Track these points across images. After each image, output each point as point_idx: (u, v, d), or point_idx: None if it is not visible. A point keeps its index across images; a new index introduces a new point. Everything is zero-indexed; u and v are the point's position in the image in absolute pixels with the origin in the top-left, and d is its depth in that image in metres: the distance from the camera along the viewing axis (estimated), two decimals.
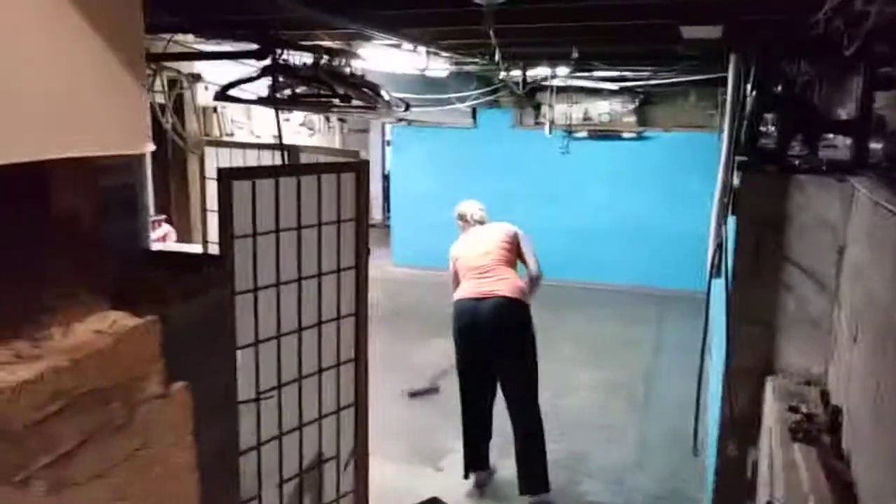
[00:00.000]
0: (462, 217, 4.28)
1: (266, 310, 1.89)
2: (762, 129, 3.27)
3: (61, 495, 0.58)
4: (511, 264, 4.03)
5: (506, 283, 3.90)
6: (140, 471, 0.67)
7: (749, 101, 3.23)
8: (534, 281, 4.05)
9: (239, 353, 1.75)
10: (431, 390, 5.26)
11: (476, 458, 4.13)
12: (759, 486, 3.12)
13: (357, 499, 2.24)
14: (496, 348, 3.90)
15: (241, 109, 5.52)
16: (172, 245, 4.44)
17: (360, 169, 2.07)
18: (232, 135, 5.65)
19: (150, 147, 0.80)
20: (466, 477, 4.10)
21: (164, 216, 4.83)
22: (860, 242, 2.62)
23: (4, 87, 0.68)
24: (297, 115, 6.64)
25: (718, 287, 3.60)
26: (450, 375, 5.50)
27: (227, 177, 1.73)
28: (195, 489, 0.75)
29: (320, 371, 2.06)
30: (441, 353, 6.17)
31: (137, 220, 1.34)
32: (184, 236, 4.79)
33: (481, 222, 4.22)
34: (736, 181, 3.21)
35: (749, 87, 3.19)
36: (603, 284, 7.94)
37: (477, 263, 3.99)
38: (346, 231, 2.07)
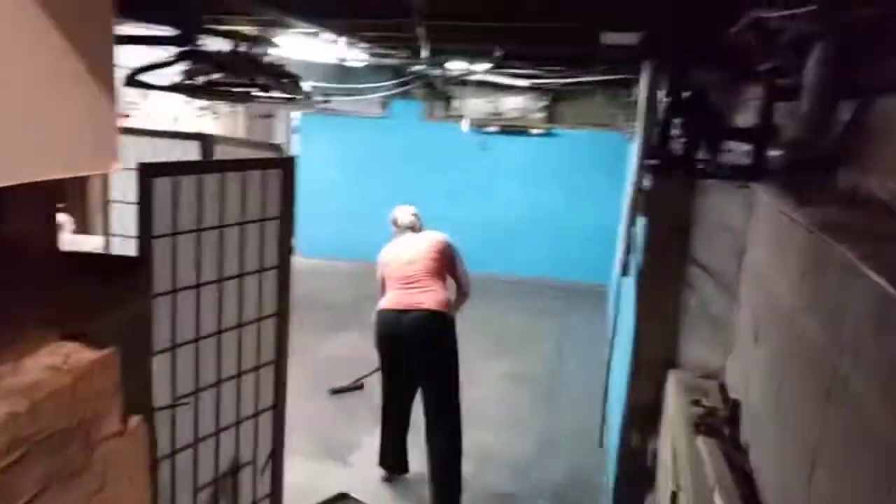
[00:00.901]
0: (394, 222, 4.21)
1: (185, 312, 1.80)
2: (671, 133, 3.41)
3: None
4: (438, 275, 3.94)
5: (430, 296, 3.83)
6: None
7: (660, 106, 3.35)
8: (462, 297, 4.04)
9: (155, 359, 1.66)
10: (356, 388, 5.19)
11: (393, 458, 4.12)
12: (659, 474, 3.27)
13: (273, 502, 2.19)
14: (417, 362, 3.86)
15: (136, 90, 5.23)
16: (68, 237, 4.17)
17: (287, 166, 2.01)
18: (128, 116, 5.35)
19: (119, 166, 0.74)
20: (382, 466, 4.11)
21: (59, 204, 4.52)
22: (761, 247, 2.78)
23: None
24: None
25: (627, 285, 3.74)
26: (360, 368, 5.48)
27: (148, 173, 1.63)
28: None
29: (240, 374, 1.99)
30: (349, 345, 6.13)
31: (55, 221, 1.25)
32: (81, 227, 4.50)
33: (412, 228, 4.14)
34: (646, 183, 3.33)
35: (661, 92, 3.31)
36: (510, 276, 8.07)
37: (402, 273, 3.92)
38: (269, 229, 2.00)
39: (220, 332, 1.91)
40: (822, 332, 1.78)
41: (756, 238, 2.93)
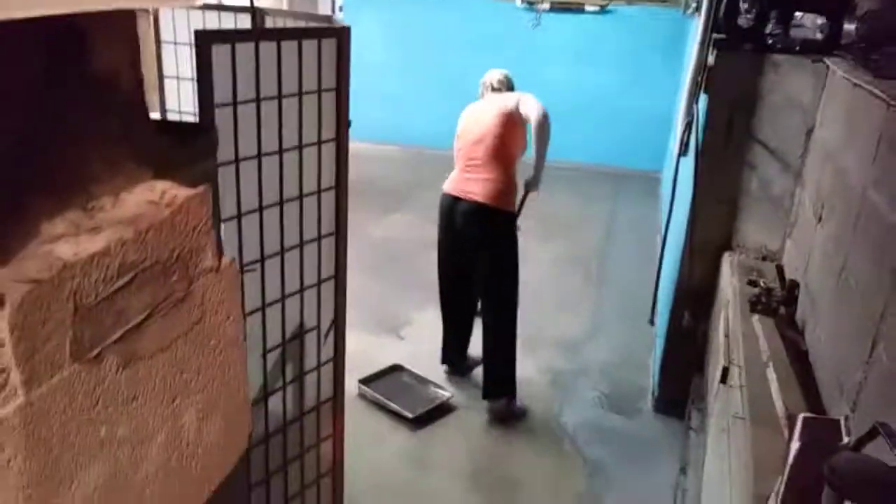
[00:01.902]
0: (483, 84, 3.88)
1: (247, 182, 1.83)
2: (740, 7, 3.21)
3: (130, 370, 0.57)
4: (502, 158, 3.59)
5: (484, 186, 3.58)
6: (198, 344, 0.66)
7: None
8: (540, 137, 3.53)
9: (222, 225, 1.70)
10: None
11: (447, 355, 4.12)
12: (710, 355, 3.31)
13: (336, 367, 2.30)
14: (468, 253, 3.76)
15: None
16: None
17: (342, 36, 1.96)
18: None
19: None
20: (443, 362, 4.13)
21: None
22: (832, 123, 2.66)
23: None
24: None
25: (684, 166, 3.65)
26: (413, 249, 5.57)
27: (206, 40, 1.62)
28: (244, 362, 0.75)
29: (301, 244, 2.04)
30: (399, 228, 6.21)
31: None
32: None
33: (499, 89, 3.79)
34: (711, 59, 3.18)
35: None
36: (561, 162, 7.85)
37: (468, 153, 3.66)
38: (326, 101, 1.99)
39: (281, 202, 1.94)
40: (893, 207, 1.73)
41: (827, 114, 2.81)
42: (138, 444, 0.59)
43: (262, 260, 1.93)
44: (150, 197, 0.61)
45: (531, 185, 3.74)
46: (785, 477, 1.57)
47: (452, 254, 3.86)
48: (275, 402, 2.10)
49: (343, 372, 2.33)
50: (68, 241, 0.52)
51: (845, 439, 1.67)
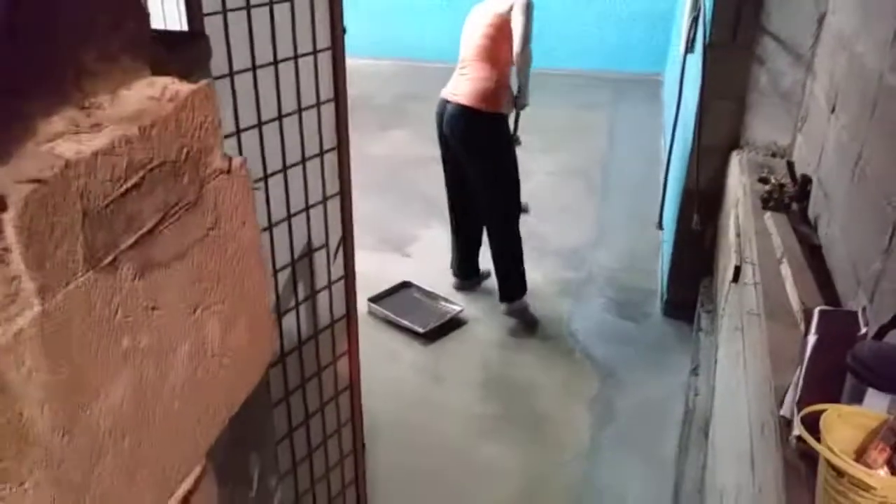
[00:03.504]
0: None
1: (243, 95, 1.77)
2: None
3: (147, 279, 0.54)
4: (491, 58, 3.47)
5: (471, 85, 3.49)
6: (214, 252, 0.63)
7: None
8: (519, 68, 3.45)
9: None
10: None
11: (458, 268, 4.11)
12: (720, 256, 3.30)
13: (347, 284, 2.28)
14: (460, 158, 3.70)
15: None
16: None
17: None
18: None
19: None
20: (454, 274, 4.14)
21: None
22: (846, 8, 2.55)
23: None
24: None
25: (691, 63, 3.54)
26: (414, 165, 5.49)
27: None
28: (262, 268, 0.72)
29: (304, 160, 1.99)
30: (399, 144, 6.11)
31: None
32: None
33: None
34: None
35: None
36: (555, 70, 7.60)
37: (461, 53, 3.61)
38: (319, 6, 1.90)
39: (280, 117, 1.88)
40: None
41: (841, 1, 2.69)
42: (163, 356, 0.57)
43: (266, 178, 1.89)
44: (150, 93, 0.57)
45: (519, 102, 3.60)
46: (803, 369, 1.56)
47: (448, 161, 3.82)
48: (289, 322, 2.10)
49: (354, 289, 2.31)
50: (68, 140, 0.48)
51: (863, 330, 1.67)
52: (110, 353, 0.50)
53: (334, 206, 2.15)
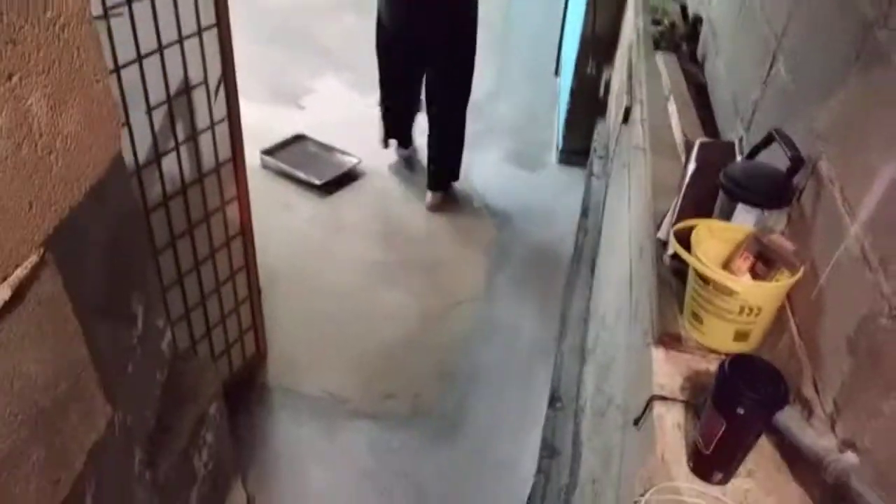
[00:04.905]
0: None
1: None
2: None
3: None
4: None
5: None
6: (30, 11, 0.55)
7: None
8: None
9: None
10: None
11: (397, 131, 3.78)
12: (612, 100, 3.34)
13: (232, 125, 2.17)
14: (433, 40, 3.26)
15: None
16: None
17: None
18: None
19: None
20: (386, 146, 3.82)
21: None
22: None
23: None
24: None
25: None
26: (309, 16, 5.16)
27: None
28: (97, 47, 0.64)
29: None
30: None
31: None
32: None
33: None
34: None
35: None
36: None
37: None
38: None
39: None
40: None
41: None
42: None
43: (129, 3, 1.71)
44: None
45: None
46: (681, 195, 1.63)
47: (406, 40, 3.31)
48: (170, 165, 1.99)
49: (240, 131, 2.21)
50: None
51: (738, 159, 1.74)
52: None
53: (211, 39, 1.99)
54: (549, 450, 2.36)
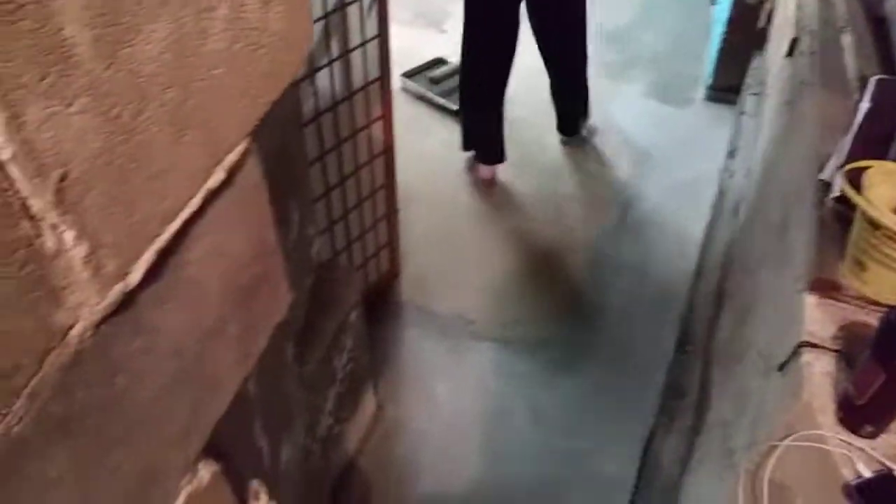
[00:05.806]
0: None
1: None
2: None
3: None
4: None
5: None
6: None
7: None
8: None
9: None
10: None
11: (481, 146, 3.26)
12: (774, 33, 3.11)
13: (381, 45, 2.21)
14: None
15: None
16: None
17: None
18: None
19: None
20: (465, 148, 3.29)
21: None
22: None
23: None
24: None
25: None
26: None
27: None
28: None
29: None
30: None
31: None
32: None
33: None
34: None
35: None
36: None
37: None
38: None
39: None
40: None
41: None
42: (202, 12, 0.54)
43: None
44: None
45: None
46: (852, 134, 1.52)
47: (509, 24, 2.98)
48: (322, 81, 2.05)
49: (388, 50, 2.24)
50: None
51: None
52: None
53: None
54: (674, 391, 2.34)
